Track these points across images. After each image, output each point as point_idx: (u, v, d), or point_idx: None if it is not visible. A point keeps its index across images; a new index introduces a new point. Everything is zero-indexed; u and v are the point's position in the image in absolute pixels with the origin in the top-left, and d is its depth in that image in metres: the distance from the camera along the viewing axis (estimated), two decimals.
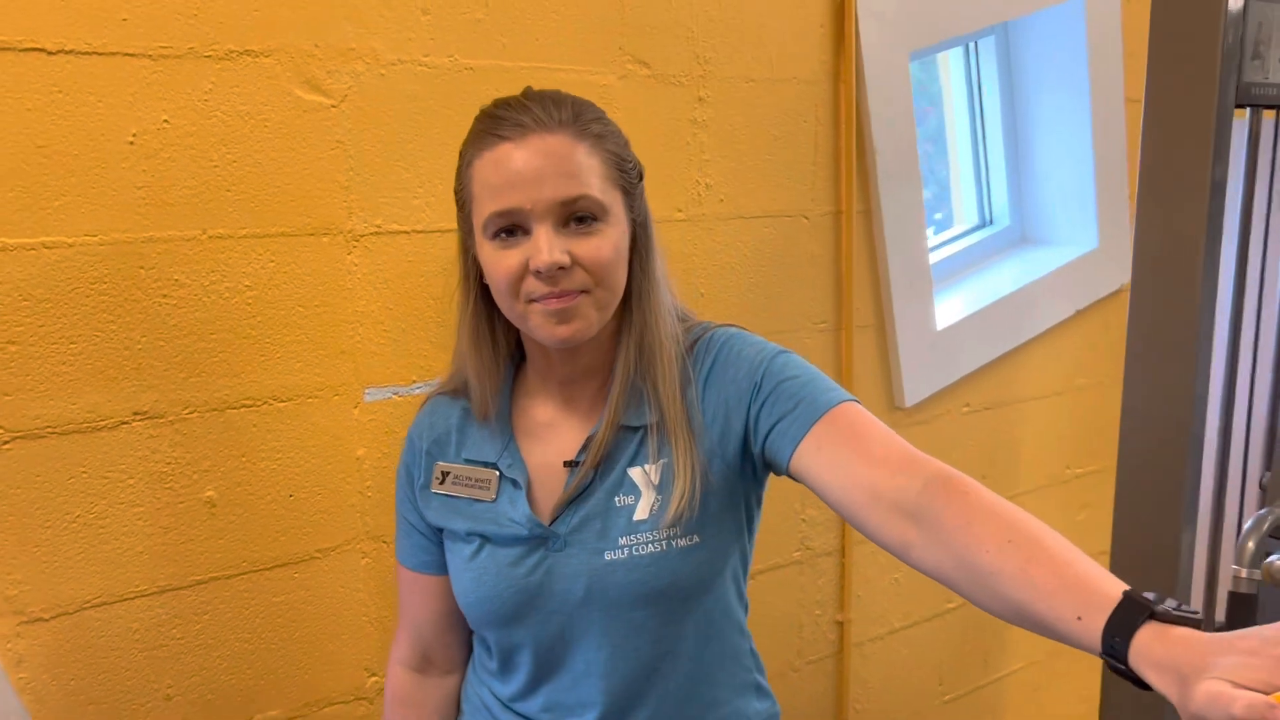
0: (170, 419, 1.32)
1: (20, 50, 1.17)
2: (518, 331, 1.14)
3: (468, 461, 1.13)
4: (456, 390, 1.17)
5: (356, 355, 1.44)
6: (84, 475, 1.27)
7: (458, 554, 1.12)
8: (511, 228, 1.01)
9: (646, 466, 1.07)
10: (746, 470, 1.08)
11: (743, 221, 1.80)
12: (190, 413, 1.33)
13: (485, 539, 1.10)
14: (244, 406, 1.37)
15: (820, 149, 1.88)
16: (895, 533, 0.91)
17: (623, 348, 1.08)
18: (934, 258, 2.32)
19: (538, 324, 1.02)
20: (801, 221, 1.89)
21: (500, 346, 1.14)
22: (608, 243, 1.02)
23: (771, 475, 1.11)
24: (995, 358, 2.24)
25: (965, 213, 2.49)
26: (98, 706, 1.32)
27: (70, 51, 1.20)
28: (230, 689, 1.41)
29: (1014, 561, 0.80)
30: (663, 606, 1.05)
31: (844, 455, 0.96)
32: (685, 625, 1.07)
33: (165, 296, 1.29)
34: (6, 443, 1.21)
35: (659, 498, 1.05)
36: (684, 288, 1.74)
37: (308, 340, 1.40)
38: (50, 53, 1.18)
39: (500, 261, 1.01)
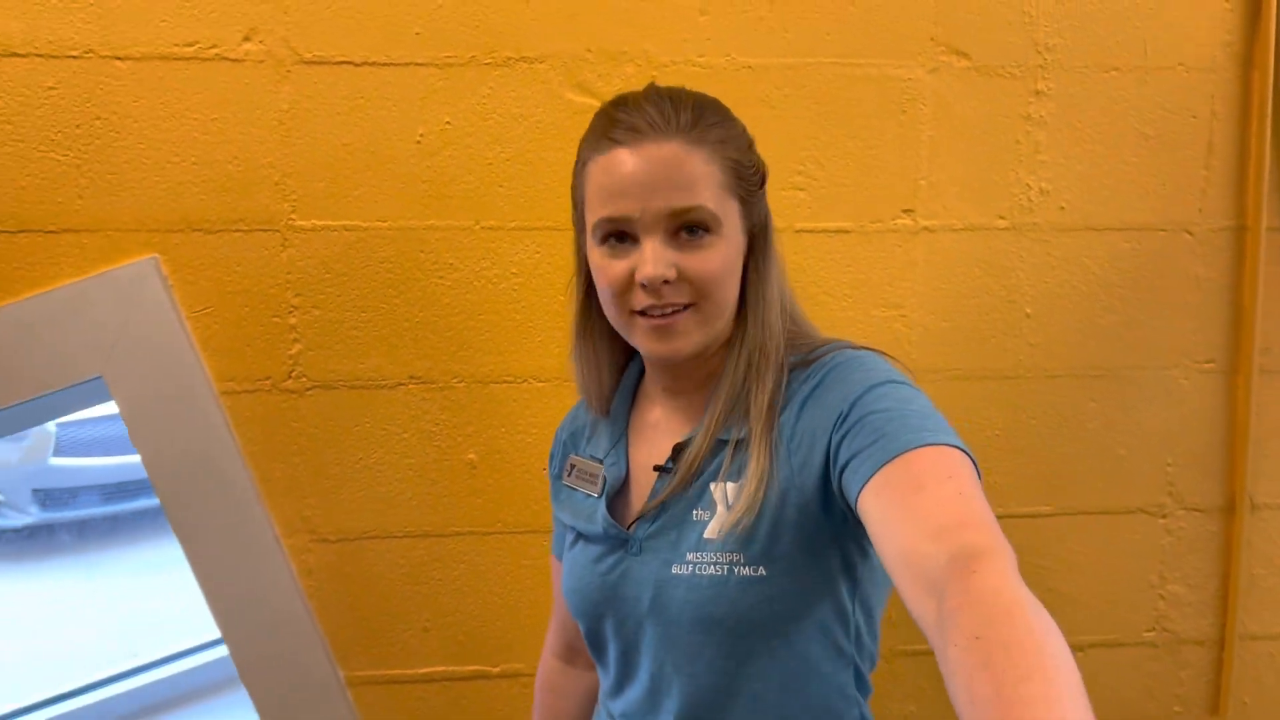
0: (440, 385, 1.49)
1: (334, 64, 1.40)
2: None
3: (590, 456, 1.13)
4: None
5: None
6: (367, 425, 1.49)
7: (567, 544, 1.15)
8: (620, 234, 0.97)
9: (727, 485, 1.00)
10: (833, 509, 0.95)
11: (1092, 234, 1.55)
12: (458, 382, 1.49)
13: (579, 533, 1.10)
14: (505, 382, 1.50)
15: (1217, 151, 1.54)
16: (921, 610, 0.76)
17: (732, 359, 1.02)
18: None
19: (640, 338, 1.00)
20: (1182, 238, 1.56)
21: (609, 346, 1.12)
22: (716, 256, 0.96)
23: None
24: None
25: None
26: (368, 624, 1.55)
27: (371, 63, 1.40)
28: (480, 634, 1.57)
29: (967, 663, 0.64)
30: (720, 637, 0.98)
31: (896, 508, 0.81)
32: (753, 667, 0.98)
33: (441, 278, 1.46)
34: (309, 389, 1.47)
35: (729, 520, 0.98)
36: (1005, 305, 1.55)
37: (568, 327, 1.49)
38: (356, 65, 1.40)
39: (607, 269, 0.98)
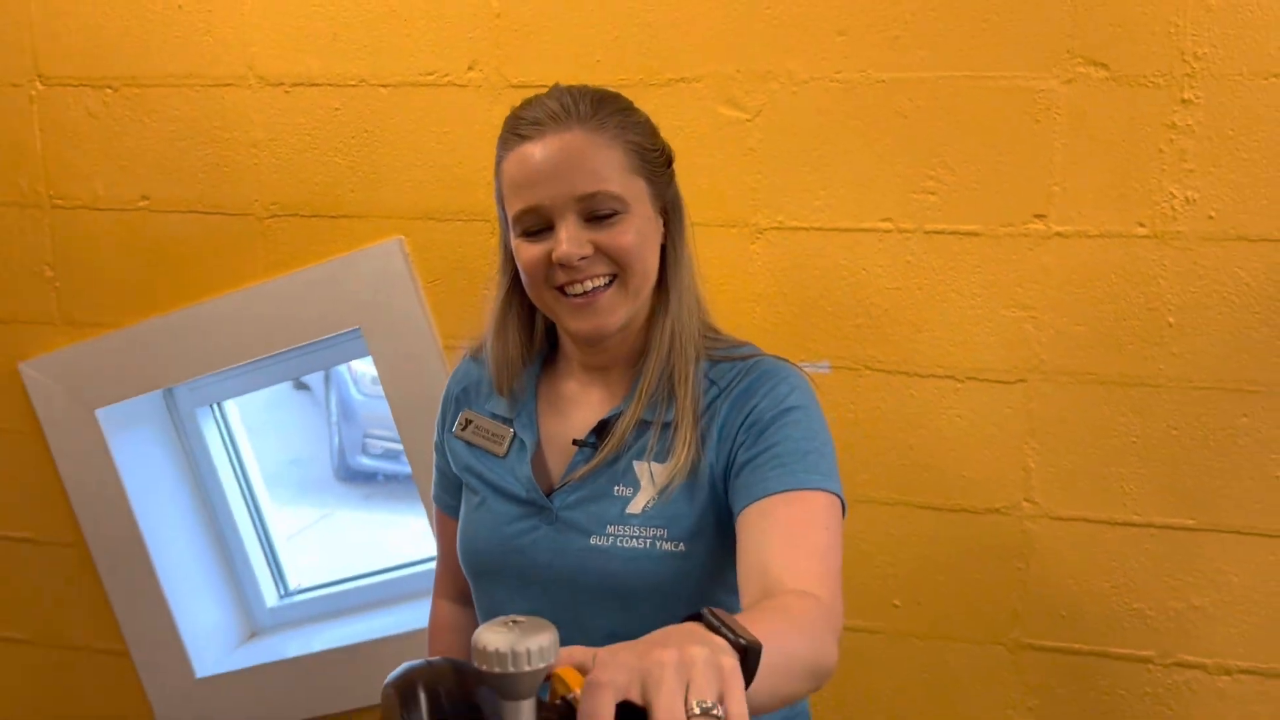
0: None
1: (535, 87, 1.70)
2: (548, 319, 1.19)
3: (491, 414, 1.19)
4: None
5: (754, 331, 1.69)
6: None
7: (466, 502, 1.20)
8: (538, 223, 1.06)
9: (653, 465, 1.09)
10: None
11: (1245, 244, 1.51)
12: None
13: (491, 490, 1.16)
14: None
15: None
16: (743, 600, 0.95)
17: (657, 333, 1.12)
18: None
19: (566, 317, 1.08)
20: None
21: (522, 336, 1.19)
22: (629, 229, 1.06)
23: None
24: None
25: None
26: None
27: None
28: None
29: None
30: (633, 605, 1.07)
31: (778, 536, 0.96)
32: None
33: None
34: None
35: (656, 497, 1.08)
36: (1145, 312, 1.55)
37: (717, 313, 1.71)
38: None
39: (526, 252, 1.07)
